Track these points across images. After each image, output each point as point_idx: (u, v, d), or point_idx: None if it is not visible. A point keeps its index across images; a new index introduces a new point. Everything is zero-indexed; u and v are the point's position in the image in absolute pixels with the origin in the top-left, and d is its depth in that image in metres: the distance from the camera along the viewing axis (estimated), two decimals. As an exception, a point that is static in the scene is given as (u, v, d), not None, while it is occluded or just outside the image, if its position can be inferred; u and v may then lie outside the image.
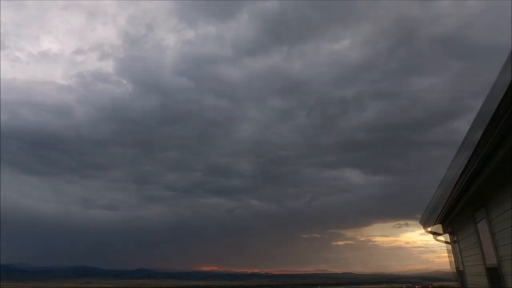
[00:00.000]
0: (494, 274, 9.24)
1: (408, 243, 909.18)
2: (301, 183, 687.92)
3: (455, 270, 15.09)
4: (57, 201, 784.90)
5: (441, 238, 15.22)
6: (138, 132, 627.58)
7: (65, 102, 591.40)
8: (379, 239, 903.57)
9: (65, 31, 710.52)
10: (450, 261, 15.64)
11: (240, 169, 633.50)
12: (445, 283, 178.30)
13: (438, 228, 14.27)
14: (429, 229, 14.30)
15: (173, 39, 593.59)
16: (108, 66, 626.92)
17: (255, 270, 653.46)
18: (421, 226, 14.35)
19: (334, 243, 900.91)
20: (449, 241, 15.17)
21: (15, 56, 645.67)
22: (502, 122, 4.47)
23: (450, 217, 10.88)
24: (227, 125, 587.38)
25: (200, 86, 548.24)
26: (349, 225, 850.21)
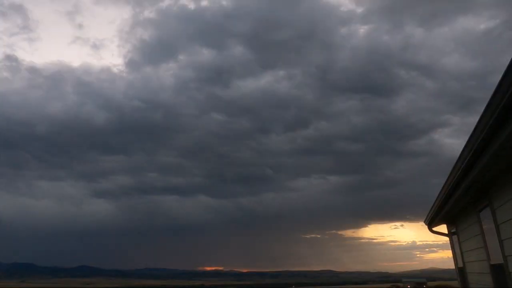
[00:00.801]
0: (499, 272, 7.75)
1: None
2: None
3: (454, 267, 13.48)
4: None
5: (437, 229, 13.57)
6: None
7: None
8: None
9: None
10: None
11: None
12: (443, 283, 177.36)
13: (437, 220, 12.68)
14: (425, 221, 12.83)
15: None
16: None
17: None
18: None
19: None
20: (446, 232, 13.49)
21: None
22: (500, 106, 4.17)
23: (448, 204, 9.34)
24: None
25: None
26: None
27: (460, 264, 12.29)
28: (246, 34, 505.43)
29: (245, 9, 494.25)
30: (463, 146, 5.65)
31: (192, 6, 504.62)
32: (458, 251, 12.33)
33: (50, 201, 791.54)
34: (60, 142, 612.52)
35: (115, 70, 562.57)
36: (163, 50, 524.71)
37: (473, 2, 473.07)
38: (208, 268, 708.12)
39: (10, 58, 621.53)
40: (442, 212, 10.60)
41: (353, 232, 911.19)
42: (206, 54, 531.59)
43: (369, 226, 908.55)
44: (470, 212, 9.52)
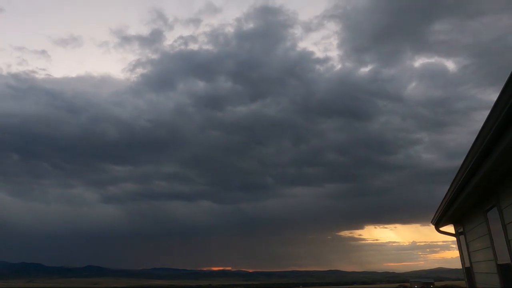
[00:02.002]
0: (506, 272, 7.76)
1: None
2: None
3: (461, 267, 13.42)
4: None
5: (445, 229, 13.52)
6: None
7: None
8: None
9: None
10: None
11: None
12: (449, 283, 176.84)
13: (444, 220, 12.64)
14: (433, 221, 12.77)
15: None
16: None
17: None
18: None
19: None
20: (453, 232, 13.44)
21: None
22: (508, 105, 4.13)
23: (455, 204, 9.33)
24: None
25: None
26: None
27: (467, 264, 12.23)
28: (232, 72, 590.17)
29: (228, 53, 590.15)
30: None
31: (184, 48, 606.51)
32: (465, 251, 12.28)
33: (63, 206, 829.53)
34: (76, 154, 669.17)
35: (126, 96, 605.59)
36: (163, 81, 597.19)
37: (428, 44, 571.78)
38: (216, 268, 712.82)
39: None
40: (449, 212, 10.58)
41: (350, 233, 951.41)
42: (200, 85, 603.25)
43: (365, 228, 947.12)
44: (477, 212, 9.46)
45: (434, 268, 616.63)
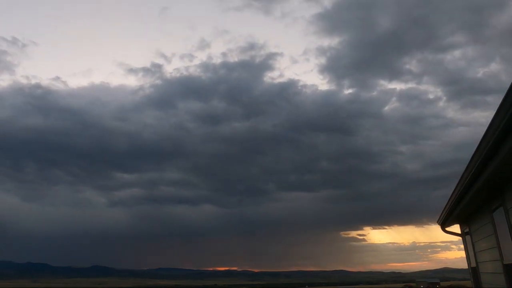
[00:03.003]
0: (513, 272, 7.72)
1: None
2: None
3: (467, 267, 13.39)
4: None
5: (450, 229, 13.51)
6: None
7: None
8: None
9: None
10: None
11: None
12: (455, 283, 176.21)
13: (450, 220, 12.62)
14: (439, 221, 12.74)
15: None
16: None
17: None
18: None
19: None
20: (459, 232, 13.42)
21: None
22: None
23: (461, 204, 9.32)
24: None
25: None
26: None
27: (473, 264, 12.20)
28: (225, 95, 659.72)
29: (220, 79, 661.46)
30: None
31: (180, 74, 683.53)
32: (471, 251, 12.25)
33: (72, 209, 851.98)
34: (88, 163, 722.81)
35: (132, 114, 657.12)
36: (165, 102, 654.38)
37: (401, 72, 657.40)
38: (221, 268, 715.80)
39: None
40: (455, 212, 10.56)
41: (347, 233, 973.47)
42: (198, 105, 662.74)
43: (364, 229, 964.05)
44: (483, 212, 9.44)
45: (440, 268, 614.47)
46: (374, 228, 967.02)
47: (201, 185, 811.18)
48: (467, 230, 12.25)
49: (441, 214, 12.11)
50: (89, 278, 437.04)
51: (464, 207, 9.65)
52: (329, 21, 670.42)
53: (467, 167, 7.04)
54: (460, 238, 13.60)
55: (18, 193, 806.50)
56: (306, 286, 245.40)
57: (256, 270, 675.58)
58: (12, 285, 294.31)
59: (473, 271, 12.39)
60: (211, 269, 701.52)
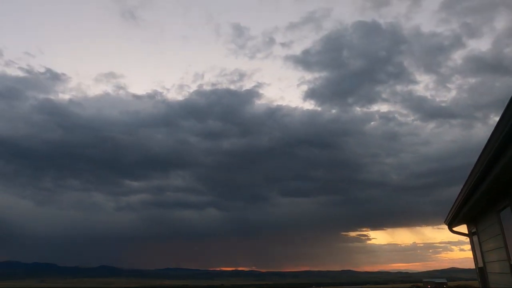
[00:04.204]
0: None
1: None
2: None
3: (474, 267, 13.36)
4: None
5: (458, 229, 13.49)
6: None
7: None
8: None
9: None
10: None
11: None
12: (462, 283, 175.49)
13: (458, 220, 12.61)
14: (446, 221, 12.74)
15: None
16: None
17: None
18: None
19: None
20: (466, 232, 13.40)
21: None
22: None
23: (468, 204, 9.33)
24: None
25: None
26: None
27: (481, 264, 12.19)
28: (220, 114, 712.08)
29: (214, 102, 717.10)
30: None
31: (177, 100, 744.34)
32: (478, 251, 12.23)
33: (83, 213, 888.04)
34: (101, 171, 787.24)
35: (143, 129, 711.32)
36: (168, 121, 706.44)
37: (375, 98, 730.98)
38: (229, 269, 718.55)
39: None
40: (462, 212, 10.56)
41: (346, 234, 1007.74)
42: (197, 124, 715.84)
43: (364, 230, 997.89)
44: (490, 212, 9.42)
45: (447, 268, 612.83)
46: (373, 229, 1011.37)
47: (206, 191, 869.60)
48: (474, 230, 12.24)
49: (448, 214, 12.10)
50: (96, 278, 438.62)
51: (471, 208, 9.65)
52: (305, 65, 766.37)
53: (473, 168, 7.05)
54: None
55: (34, 198, 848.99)
56: (313, 286, 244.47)
57: (262, 270, 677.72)
58: (20, 285, 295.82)
59: (480, 271, 12.37)
60: (217, 269, 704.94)
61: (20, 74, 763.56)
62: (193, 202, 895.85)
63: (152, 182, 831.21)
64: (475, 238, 12.39)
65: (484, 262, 11.56)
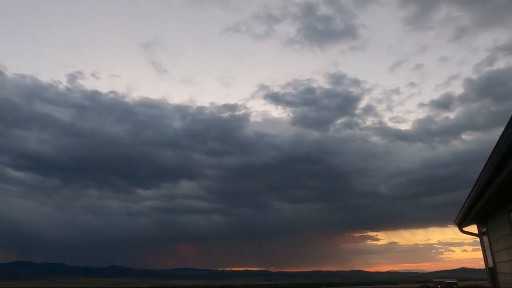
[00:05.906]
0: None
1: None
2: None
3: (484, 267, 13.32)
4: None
5: (468, 229, 13.46)
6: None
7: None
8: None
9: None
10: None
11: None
12: (472, 283, 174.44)
13: (468, 220, 12.58)
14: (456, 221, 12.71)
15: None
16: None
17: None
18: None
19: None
20: (477, 232, 13.36)
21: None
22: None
23: (478, 205, 9.32)
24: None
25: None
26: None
27: (491, 264, 12.15)
28: (216, 138, 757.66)
29: (206, 128, 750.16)
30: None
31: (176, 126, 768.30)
32: (488, 251, 12.19)
33: (96, 216, 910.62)
34: (114, 180, 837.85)
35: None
36: (173, 141, 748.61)
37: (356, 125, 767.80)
38: (239, 269, 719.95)
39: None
40: (472, 212, 10.55)
41: (345, 235, 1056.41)
42: (198, 145, 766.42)
43: (364, 232, 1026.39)
44: (501, 212, 9.37)
45: (458, 268, 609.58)
46: (373, 231, 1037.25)
47: (215, 199, 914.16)
48: (484, 230, 12.20)
49: (458, 215, 12.06)
50: (106, 278, 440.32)
51: (481, 208, 9.63)
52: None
53: (483, 169, 7.03)
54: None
55: (51, 204, 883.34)
56: (324, 286, 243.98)
57: (273, 270, 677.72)
58: (31, 285, 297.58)
59: (491, 271, 12.33)
60: (227, 269, 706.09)
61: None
62: (202, 209, 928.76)
63: (160, 190, 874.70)
64: (485, 238, 12.34)
65: (494, 262, 11.52)
